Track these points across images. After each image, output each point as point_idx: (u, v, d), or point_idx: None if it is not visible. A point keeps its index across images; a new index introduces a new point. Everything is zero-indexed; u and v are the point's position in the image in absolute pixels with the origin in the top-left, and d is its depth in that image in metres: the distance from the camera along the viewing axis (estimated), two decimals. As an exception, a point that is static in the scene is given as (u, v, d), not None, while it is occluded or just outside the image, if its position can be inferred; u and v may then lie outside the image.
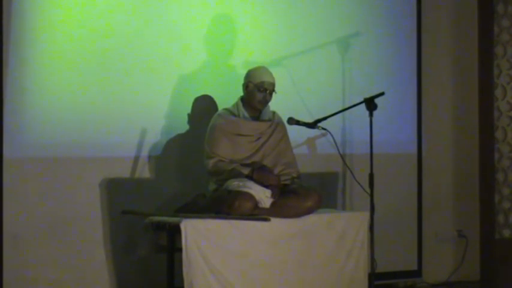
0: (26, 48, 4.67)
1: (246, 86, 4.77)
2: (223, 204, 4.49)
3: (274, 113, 4.87)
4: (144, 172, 4.96)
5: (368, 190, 4.78)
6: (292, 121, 4.98)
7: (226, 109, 4.81)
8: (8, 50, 4.61)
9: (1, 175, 4.60)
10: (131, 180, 4.92)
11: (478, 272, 5.98)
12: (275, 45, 5.35)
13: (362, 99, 4.88)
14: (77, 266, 4.77)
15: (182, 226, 4.30)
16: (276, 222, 4.51)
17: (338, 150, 4.92)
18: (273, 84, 4.76)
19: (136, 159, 4.94)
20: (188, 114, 5.07)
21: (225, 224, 4.42)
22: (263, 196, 4.53)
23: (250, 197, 4.48)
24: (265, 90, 4.73)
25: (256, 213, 4.51)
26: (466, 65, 6.04)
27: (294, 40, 5.42)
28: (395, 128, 5.73)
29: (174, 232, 4.39)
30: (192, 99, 5.06)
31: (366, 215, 4.79)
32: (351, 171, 4.93)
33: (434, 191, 5.91)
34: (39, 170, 4.70)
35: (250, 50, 5.24)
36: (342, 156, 5.07)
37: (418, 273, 5.80)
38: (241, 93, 4.80)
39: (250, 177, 4.61)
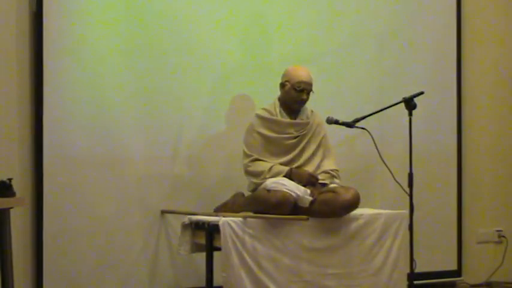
0: (70, 46, 4.70)
1: (283, 86, 4.76)
2: (262, 204, 4.49)
3: (312, 111, 4.86)
4: (183, 170, 4.98)
5: (407, 190, 4.74)
6: (330, 120, 4.95)
7: (264, 109, 4.81)
8: (49, 49, 4.64)
9: (41, 174, 4.63)
10: (170, 179, 4.94)
11: (519, 272, 5.94)
12: (312, 42, 5.33)
13: (401, 98, 4.85)
14: (116, 265, 4.79)
15: (221, 225, 4.32)
16: (314, 221, 4.50)
17: (377, 149, 4.89)
18: (310, 84, 4.74)
19: (174, 157, 4.96)
20: (226, 114, 5.07)
21: (264, 223, 4.42)
22: (302, 195, 4.53)
23: (289, 196, 4.47)
24: (302, 90, 4.71)
25: (294, 213, 4.50)
26: (507, 62, 5.98)
27: (331, 37, 5.40)
28: (434, 126, 5.69)
29: (213, 231, 4.41)
30: (229, 98, 5.07)
31: (405, 214, 4.76)
32: (390, 171, 4.89)
33: (474, 191, 5.86)
34: (78, 169, 4.72)
35: (287, 47, 5.23)
36: (381, 155, 5.04)
37: (457, 273, 5.76)
38: (279, 92, 4.80)
39: (288, 176, 4.61)
